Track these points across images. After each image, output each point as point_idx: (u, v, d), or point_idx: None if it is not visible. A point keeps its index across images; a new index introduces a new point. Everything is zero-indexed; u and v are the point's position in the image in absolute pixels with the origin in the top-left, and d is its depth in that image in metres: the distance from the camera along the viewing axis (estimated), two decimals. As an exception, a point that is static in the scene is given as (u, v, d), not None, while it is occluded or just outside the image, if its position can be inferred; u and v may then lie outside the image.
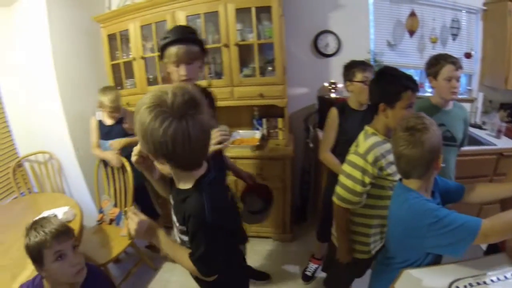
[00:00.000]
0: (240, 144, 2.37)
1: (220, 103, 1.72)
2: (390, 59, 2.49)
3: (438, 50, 2.45)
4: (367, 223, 1.31)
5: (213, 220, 0.84)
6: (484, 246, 1.32)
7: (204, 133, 0.79)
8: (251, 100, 2.22)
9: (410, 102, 1.17)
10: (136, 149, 0.93)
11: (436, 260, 1.05)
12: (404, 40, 2.49)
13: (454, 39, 2.49)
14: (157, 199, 2.35)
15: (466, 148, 1.87)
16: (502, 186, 1.13)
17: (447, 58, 1.50)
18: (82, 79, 2.47)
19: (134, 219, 0.92)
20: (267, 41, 2.11)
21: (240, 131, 2.54)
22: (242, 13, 2.07)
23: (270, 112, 2.42)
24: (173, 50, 1.22)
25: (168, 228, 1.37)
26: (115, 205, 2.15)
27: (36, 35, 2.19)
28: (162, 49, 1.25)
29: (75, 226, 1.77)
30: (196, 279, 1.07)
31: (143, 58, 2.35)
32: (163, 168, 1.02)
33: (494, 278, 0.93)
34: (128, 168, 2.00)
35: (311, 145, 2.51)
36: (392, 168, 1.18)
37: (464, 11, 2.45)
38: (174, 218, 0.98)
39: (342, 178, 1.27)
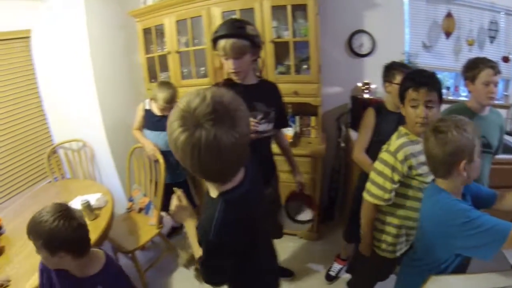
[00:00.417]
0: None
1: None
2: (425, 60, 2.43)
3: (475, 53, 2.38)
4: (390, 222, 1.32)
5: (217, 238, 0.78)
6: None
7: (218, 149, 0.65)
8: (285, 97, 2.22)
9: (416, 100, 1.17)
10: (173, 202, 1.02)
11: (463, 264, 1.05)
12: (439, 41, 2.42)
13: (491, 42, 2.40)
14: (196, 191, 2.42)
15: (500, 156, 1.82)
16: None
17: (486, 62, 1.47)
18: (117, 71, 2.54)
19: (180, 198, 1.03)
20: (302, 39, 2.10)
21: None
22: (277, 10, 2.07)
23: (303, 110, 2.40)
24: (221, 44, 1.25)
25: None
26: (145, 195, 2.21)
27: (73, 28, 2.25)
28: (214, 41, 1.27)
29: (106, 212, 1.83)
30: None
31: (178, 52, 2.39)
32: None
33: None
34: (161, 160, 2.05)
35: (342, 144, 2.50)
36: (424, 169, 1.18)
37: (503, 13, 2.35)
38: None
39: (373, 175, 1.29)
